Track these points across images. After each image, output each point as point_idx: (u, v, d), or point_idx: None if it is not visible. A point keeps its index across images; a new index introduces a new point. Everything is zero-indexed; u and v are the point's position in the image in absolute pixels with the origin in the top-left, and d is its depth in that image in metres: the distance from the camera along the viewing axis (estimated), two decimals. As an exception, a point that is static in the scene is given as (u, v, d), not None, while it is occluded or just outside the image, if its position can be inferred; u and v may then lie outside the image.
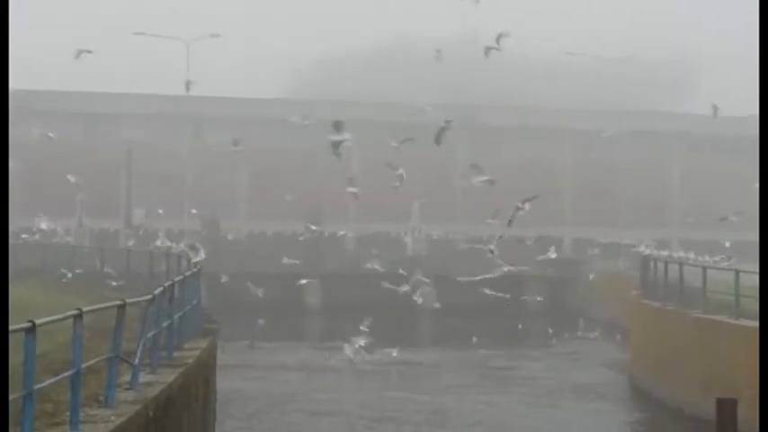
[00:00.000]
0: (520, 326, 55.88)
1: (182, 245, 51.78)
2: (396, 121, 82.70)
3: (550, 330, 51.19)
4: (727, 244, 57.84)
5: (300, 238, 64.03)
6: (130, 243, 55.88)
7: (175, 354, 19.79)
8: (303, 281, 54.34)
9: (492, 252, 32.31)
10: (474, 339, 47.51)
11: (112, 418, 12.64)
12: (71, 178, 50.21)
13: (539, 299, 67.54)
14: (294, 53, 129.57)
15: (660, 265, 37.04)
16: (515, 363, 43.77)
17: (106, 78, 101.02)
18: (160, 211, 66.96)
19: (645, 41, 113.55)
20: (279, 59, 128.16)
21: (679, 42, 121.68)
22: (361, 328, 30.40)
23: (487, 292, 58.70)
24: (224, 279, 49.06)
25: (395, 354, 39.93)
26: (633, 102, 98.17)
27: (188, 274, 26.34)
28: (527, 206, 24.43)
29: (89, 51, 18.54)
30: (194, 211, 68.38)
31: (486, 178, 25.22)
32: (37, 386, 10.74)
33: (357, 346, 30.12)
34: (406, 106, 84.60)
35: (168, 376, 16.75)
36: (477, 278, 51.28)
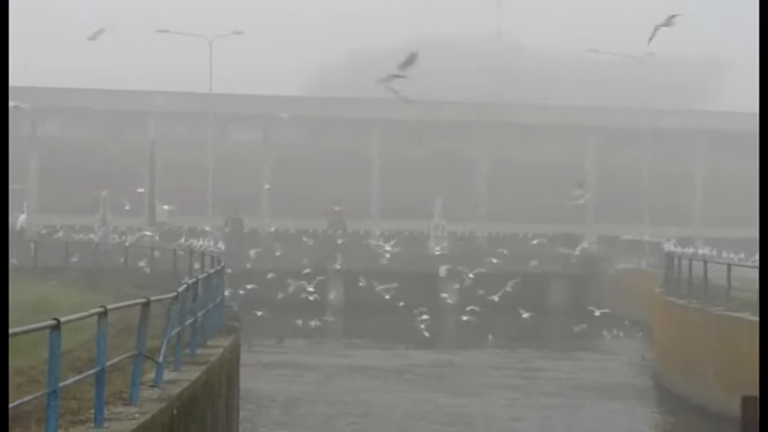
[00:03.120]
0: (542, 324, 55.77)
1: (204, 242, 51.88)
2: (420, 119, 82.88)
3: (575, 328, 51.05)
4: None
5: (318, 230, 64.16)
6: (152, 235, 56.06)
7: (199, 351, 19.80)
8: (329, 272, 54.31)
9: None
10: (490, 337, 47.43)
11: (137, 415, 12.69)
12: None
13: (561, 296, 67.47)
14: (317, 51, 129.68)
15: (684, 263, 36.89)
16: (539, 362, 43.59)
17: (130, 76, 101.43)
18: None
19: (669, 40, 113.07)
20: (301, 57, 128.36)
21: (704, 40, 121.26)
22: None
23: (510, 289, 58.75)
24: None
25: (422, 355, 39.94)
26: (658, 100, 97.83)
27: (212, 271, 26.36)
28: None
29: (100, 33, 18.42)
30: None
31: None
32: (62, 384, 10.79)
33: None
34: (432, 103, 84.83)
35: (192, 374, 16.78)
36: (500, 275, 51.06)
